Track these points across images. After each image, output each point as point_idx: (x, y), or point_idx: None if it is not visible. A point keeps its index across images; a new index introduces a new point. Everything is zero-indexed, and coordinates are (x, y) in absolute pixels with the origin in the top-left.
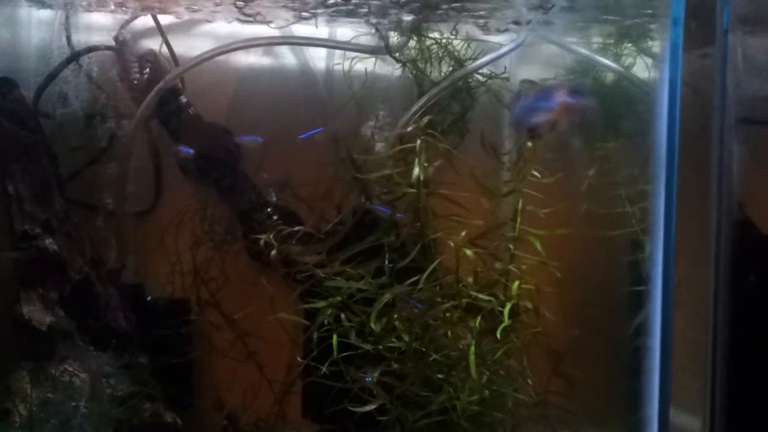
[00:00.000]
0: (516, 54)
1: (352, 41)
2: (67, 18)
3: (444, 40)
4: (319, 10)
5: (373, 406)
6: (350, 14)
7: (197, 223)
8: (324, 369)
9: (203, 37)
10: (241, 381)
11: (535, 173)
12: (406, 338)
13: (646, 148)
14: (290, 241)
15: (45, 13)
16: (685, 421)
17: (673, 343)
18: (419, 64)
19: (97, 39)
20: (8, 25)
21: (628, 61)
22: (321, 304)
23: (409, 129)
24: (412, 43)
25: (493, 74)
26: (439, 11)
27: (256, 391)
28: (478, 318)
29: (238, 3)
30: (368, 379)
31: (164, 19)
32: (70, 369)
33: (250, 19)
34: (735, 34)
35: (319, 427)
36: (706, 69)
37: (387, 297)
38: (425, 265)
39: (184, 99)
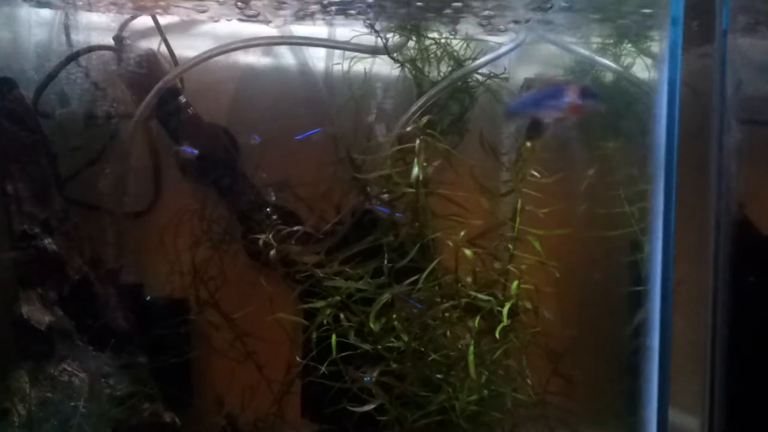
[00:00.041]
0: (515, 54)
1: (352, 41)
2: (67, 17)
3: (443, 40)
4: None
5: (372, 406)
6: (348, 15)
7: (196, 223)
8: (323, 369)
9: (203, 37)
10: (240, 381)
11: (535, 173)
12: (405, 338)
13: (645, 148)
14: (289, 241)
15: (45, 13)
16: (684, 421)
17: (672, 343)
18: (418, 64)
19: (96, 39)
20: (8, 25)
21: (628, 61)
22: (320, 304)
23: (409, 129)
24: (412, 43)
25: (492, 74)
26: (447, 11)
27: (255, 390)
28: (477, 318)
29: (239, 3)
30: (367, 378)
31: (164, 19)
32: (69, 369)
33: (251, 19)
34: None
35: (318, 427)
36: (706, 69)
37: (386, 297)
38: (424, 265)
39: (183, 99)
